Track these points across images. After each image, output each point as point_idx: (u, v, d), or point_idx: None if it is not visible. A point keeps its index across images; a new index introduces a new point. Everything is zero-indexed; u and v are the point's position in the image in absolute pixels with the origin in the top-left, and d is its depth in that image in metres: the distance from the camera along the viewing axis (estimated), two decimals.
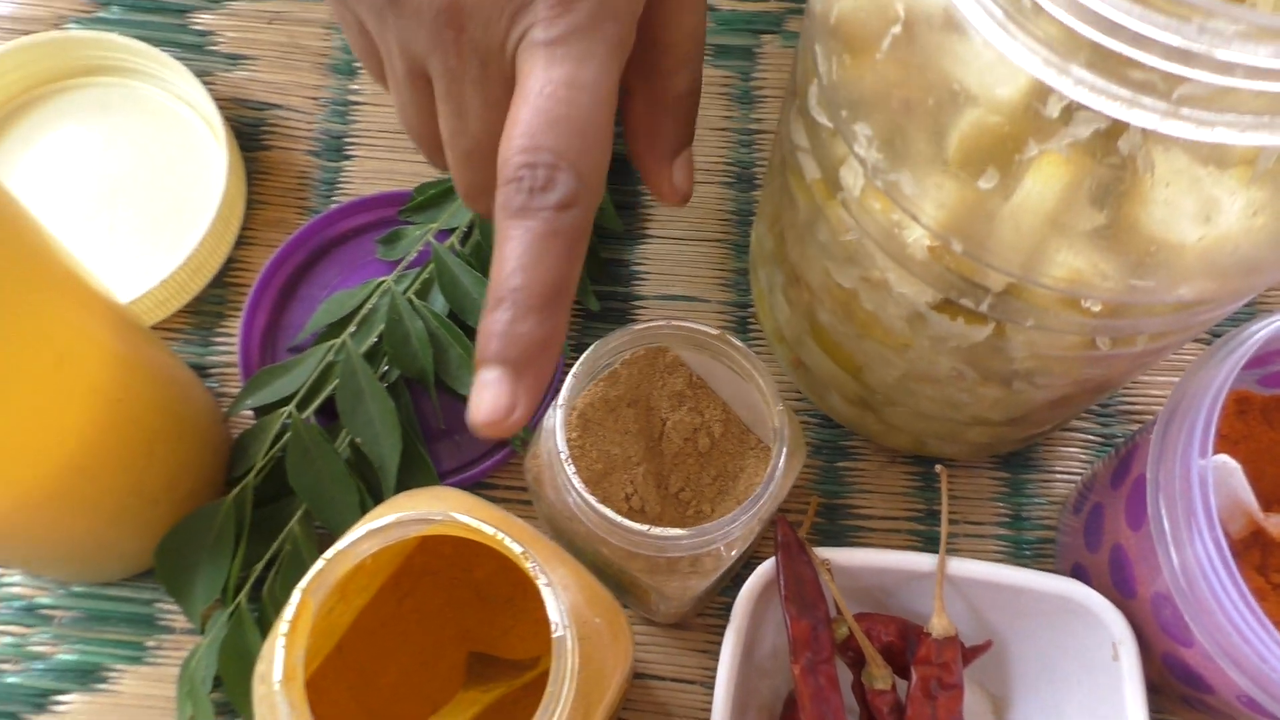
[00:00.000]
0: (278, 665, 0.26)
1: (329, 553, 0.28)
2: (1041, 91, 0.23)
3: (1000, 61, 0.23)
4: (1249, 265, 0.26)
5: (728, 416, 0.39)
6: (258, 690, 0.29)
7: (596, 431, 0.37)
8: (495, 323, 0.26)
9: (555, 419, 0.33)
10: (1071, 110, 0.23)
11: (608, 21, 0.26)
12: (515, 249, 0.25)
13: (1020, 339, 0.30)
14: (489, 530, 0.28)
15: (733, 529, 0.33)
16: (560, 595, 0.27)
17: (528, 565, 0.27)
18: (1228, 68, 0.19)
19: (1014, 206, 0.25)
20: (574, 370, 0.34)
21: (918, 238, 0.27)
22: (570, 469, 0.33)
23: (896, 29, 0.24)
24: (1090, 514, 0.38)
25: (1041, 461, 0.44)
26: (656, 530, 0.32)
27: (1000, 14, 0.21)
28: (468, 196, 0.33)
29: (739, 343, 0.34)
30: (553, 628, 0.27)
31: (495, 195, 0.26)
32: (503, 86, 0.27)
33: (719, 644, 0.36)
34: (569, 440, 0.35)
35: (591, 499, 0.32)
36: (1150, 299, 0.27)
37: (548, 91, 0.25)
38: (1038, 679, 0.38)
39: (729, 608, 0.39)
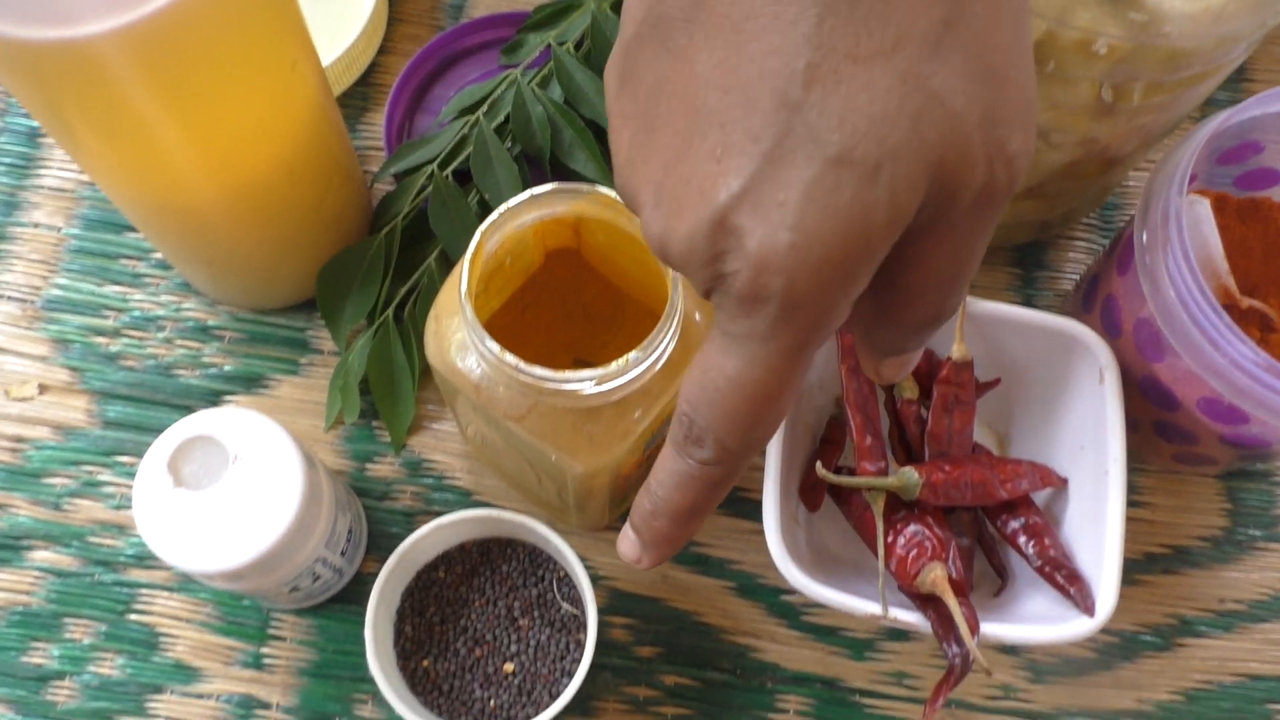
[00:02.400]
0: (464, 282, 0.35)
1: (500, 208, 0.36)
2: None
3: None
4: (1215, 14, 0.34)
5: None
6: (431, 328, 0.38)
7: None
8: (642, 508, 0.29)
9: None
10: None
11: (794, 327, 0.23)
12: (668, 470, 0.28)
13: (1041, 90, 0.38)
14: (617, 197, 0.36)
15: None
16: None
17: None
18: None
19: None
20: None
21: None
22: None
23: None
24: (1089, 285, 0.46)
25: (1050, 262, 0.52)
26: None
27: None
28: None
29: None
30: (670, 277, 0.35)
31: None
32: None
33: None
34: None
35: None
36: (1147, 41, 0.35)
37: (712, 375, 0.25)
38: (1034, 415, 0.46)
39: None
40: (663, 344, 0.35)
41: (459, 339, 0.37)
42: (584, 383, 0.34)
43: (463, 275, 0.35)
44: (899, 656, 0.45)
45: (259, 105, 0.37)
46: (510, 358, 0.34)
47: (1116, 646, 0.46)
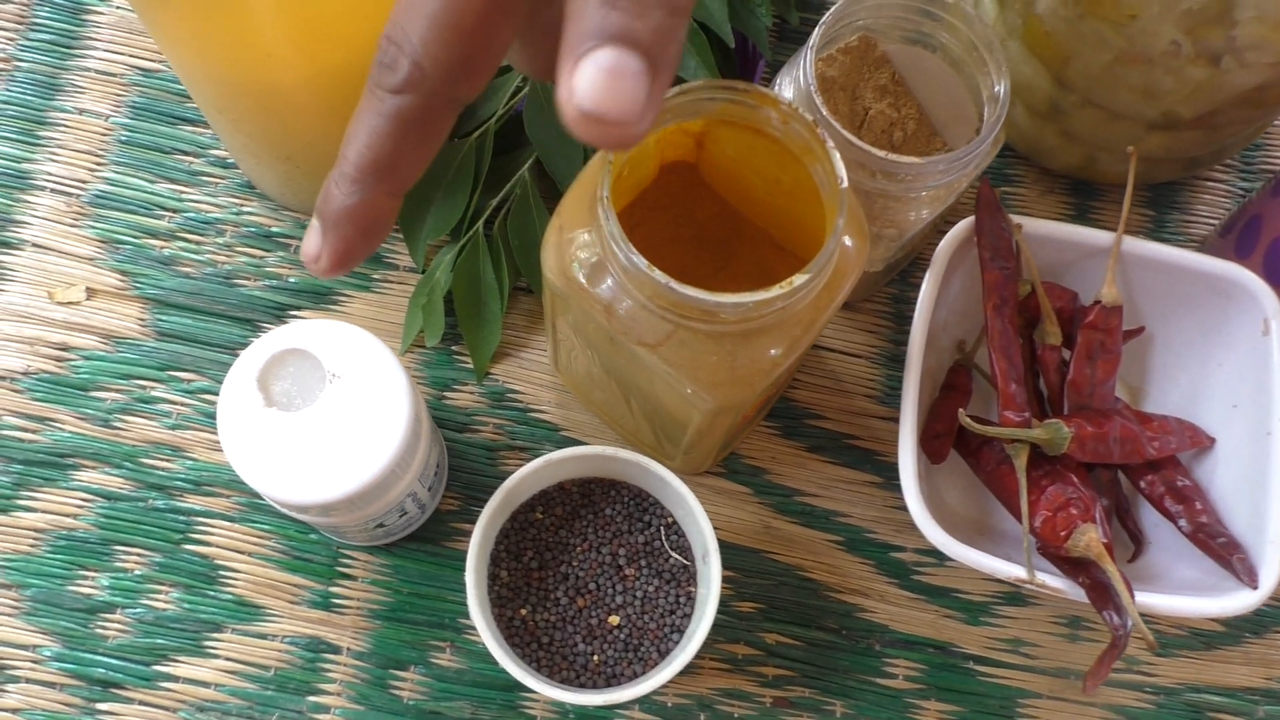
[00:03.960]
0: (605, 186, 0.30)
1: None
2: None
3: None
4: None
5: (921, 116, 0.43)
6: (551, 239, 0.34)
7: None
8: (327, 187, 0.24)
9: (807, 58, 0.37)
10: None
11: None
12: (357, 119, 0.24)
13: None
14: (782, 101, 0.32)
15: (944, 169, 0.37)
16: (839, 157, 0.31)
17: (817, 132, 0.31)
18: None
19: None
20: (821, 23, 0.38)
21: None
22: (819, 97, 0.36)
23: None
24: (1245, 227, 0.42)
25: (1185, 204, 0.48)
26: (892, 155, 0.36)
27: None
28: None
29: (969, 11, 0.38)
30: (840, 180, 0.31)
31: None
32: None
33: (883, 326, 0.41)
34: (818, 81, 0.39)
35: (833, 122, 0.36)
36: None
37: None
38: (1177, 370, 0.43)
39: (893, 299, 0.44)
40: (824, 264, 0.31)
41: (586, 253, 0.33)
42: (742, 304, 0.30)
43: (604, 178, 0.31)
44: (1016, 623, 0.42)
45: None
46: (660, 275, 0.30)
47: (1246, 621, 0.43)
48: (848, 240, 0.35)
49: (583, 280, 0.33)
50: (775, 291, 0.30)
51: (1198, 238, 0.47)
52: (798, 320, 0.33)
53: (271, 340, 0.32)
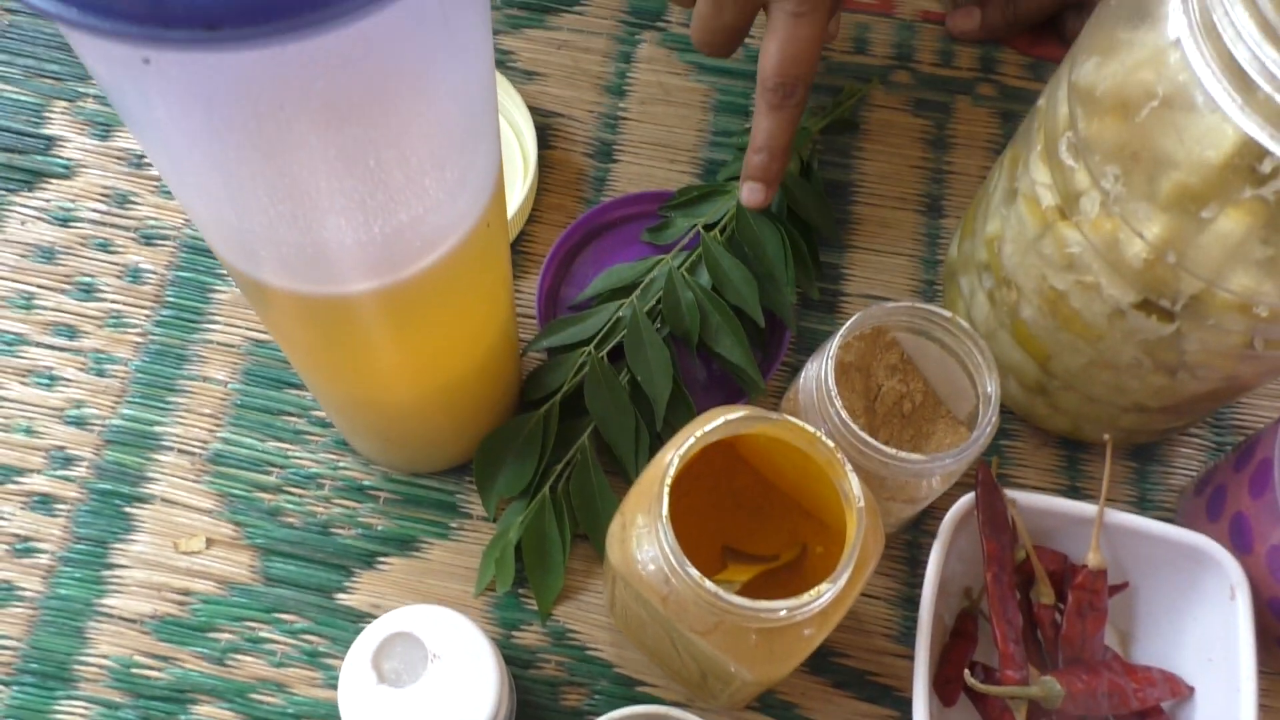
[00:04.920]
0: (664, 505, 0.37)
1: (696, 433, 0.38)
2: (1256, 153, 0.34)
3: (1223, 132, 0.34)
4: None
5: (927, 390, 0.50)
6: (615, 533, 0.40)
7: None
8: (758, 161, 0.51)
9: (826, 367, 0.44)
10: (1277, 170, 0.33)
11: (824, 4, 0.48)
12: (773, 126, 0.50)
13: (1195, 336, 0.40)
14: (809, 429, 0.39)
15: (951, 463, 0.44)
16: (857, 477, 0.38)
17: (838, 456, 0.38)
18: None
19: (1218, 232, 0.36)
20: (839, 332, 0.45)
21: (1137, 250, 0.38)
22: (838, 404, 0.43)
23: (1155, 102, 0.35)
24: (1213, 493, 0.49)
25: (1165, 458, 0.54)
26: (903, 454, 0.43)
27: (1240, 99, 0.33)
28: (700, 45, 0.53)
29: (965, 324, 0.45)
30: (855, 500, 0.38)
31: (758, 94, 0.50)
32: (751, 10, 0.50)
33: (901, 571, 0.47)
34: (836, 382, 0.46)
35: (853, 425, 0.43)
36: None
37: (797, 44, 0.48)
38: (1160, 619, 0.48)
39: (909, 545, 0.50)
40: (845, 573, 0.37)
41: (646, 549, 0.40)
42: (780, 610, 0.36)
43: (663, 496, 0.37)
44: None
45: (466, 327, 0.40)
46: (710, 585, 0.36)
47: None
48: (867, 532, 0.41)
49: (642, 573, 0.39)
50: (805, 599, 0.36)
51: (1177, 488, 0.54)
52: (828, 607, 0.39)
53: (383, 624, 0.38)
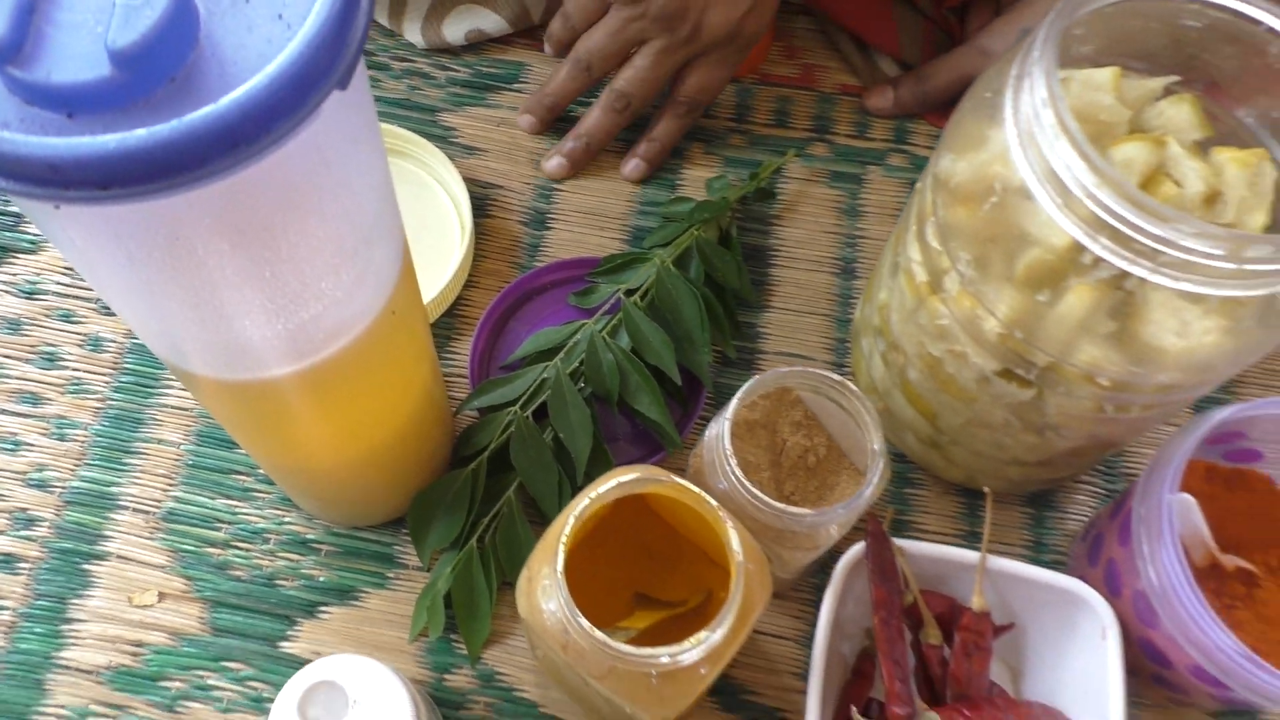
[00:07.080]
0: (560, 559, 0.41)
1: (591, 494, 0.42)
2: (1080, 247, 0.38)
3: (1053, 226, 0.38)
4: (1204, 365, 0.41)
5: (830, 444, 0.53)
6: (523, 585, 0.44)
7: (738, 444, 0.51)
8: (574, 146, 0.65)
9: (723, 428, 0.48)
10: (1098, 261, 0.37)
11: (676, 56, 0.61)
12: (602, 123, 0.64)
13: (1053, 401, 0.44)
14: (695, 490, 0.42)
15: (842, 513, 0.47)
16: (738, 534, 0.42)
17: (720, 514, 0.42)
18: (1187, 250, 0.34)
19: (1058, 313, 0.40)
20: (737, 395, 0.49)
21: (992, 326, 0.42)
22: (733, 462, 0.47)
23: (995, 197, 0.39)
24: (1094, 540, 0.52)
25: (1059, 504, 0.58)
26: (793, 509, 0.46)
27: (1060, 201, 0.37)
28: (556, 53, 0.68)
29: (854, 387, 0.49)
30: (736, 554, 0.41)
31: (604, 94, 0.63)
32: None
33: (809, 612, 0.50)
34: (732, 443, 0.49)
35: (747, 483, 0.47)
36: (1142, 382, 0.42)
37: (641, 69, 0.61)
38: (1044, 657, 0.52)
39: (817, 587, 0.54)
40: (726, 622, 0.41)
41: (549, 600, 0.43)
42: (661, 657, 0.40)
43: (558, 553, 0.41)
44: None
45: (384, 398, 0.44)
46: (600, 634, 0.40)
47: None
48: (751, 564, 0.45)
49: (545, 621, 0.43)
50: (685, 646, 0.40)
51: (1071, 533, 0.57)
52: (717, 648, 0.43)
53: (307, 674, 0.42)
